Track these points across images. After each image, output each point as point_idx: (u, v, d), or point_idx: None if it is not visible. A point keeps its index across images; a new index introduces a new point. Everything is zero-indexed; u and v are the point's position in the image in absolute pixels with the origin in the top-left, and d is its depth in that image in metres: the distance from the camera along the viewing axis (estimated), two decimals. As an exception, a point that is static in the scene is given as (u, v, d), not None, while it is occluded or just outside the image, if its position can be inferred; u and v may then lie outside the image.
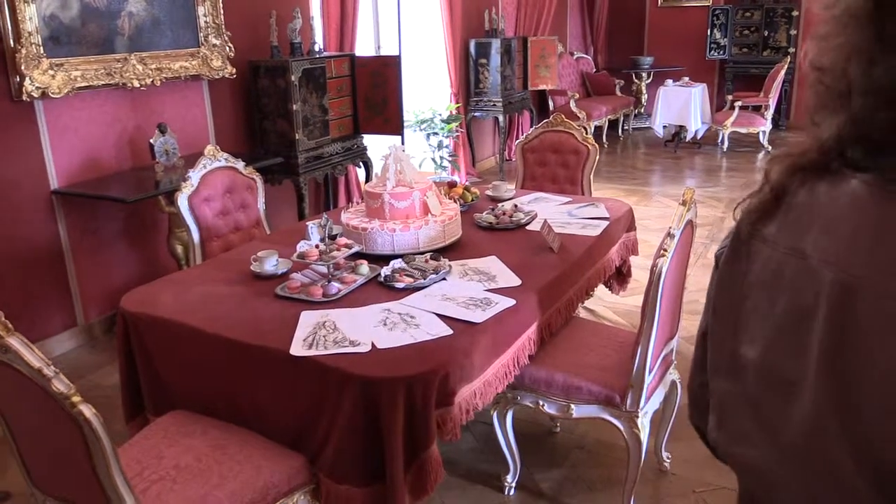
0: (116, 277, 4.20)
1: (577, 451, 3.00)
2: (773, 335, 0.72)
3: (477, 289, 2.46)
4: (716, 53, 10.23)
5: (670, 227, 2.35)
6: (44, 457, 1.84)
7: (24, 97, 3.59)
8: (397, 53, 5.44)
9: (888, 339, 0.59)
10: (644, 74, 10.33)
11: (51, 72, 3.70)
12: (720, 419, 0.81)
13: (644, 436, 2.44)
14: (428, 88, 7.12)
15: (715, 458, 0.86)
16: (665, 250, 2.29)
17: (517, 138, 5.41)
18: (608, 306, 4.30)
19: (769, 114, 8.62)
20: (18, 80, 3.58)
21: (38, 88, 3.62)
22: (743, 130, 8.73)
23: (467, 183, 4.59)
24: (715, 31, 10.15)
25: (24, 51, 3.56)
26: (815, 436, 0.66)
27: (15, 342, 1.54)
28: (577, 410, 2.51)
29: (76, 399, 1.54)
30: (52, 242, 3.90)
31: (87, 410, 1.54)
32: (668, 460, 2.83)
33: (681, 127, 8.97)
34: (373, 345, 2.06)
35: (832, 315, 0.64)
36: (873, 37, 0.61)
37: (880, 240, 0.62)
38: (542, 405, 2.55)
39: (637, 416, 2.43)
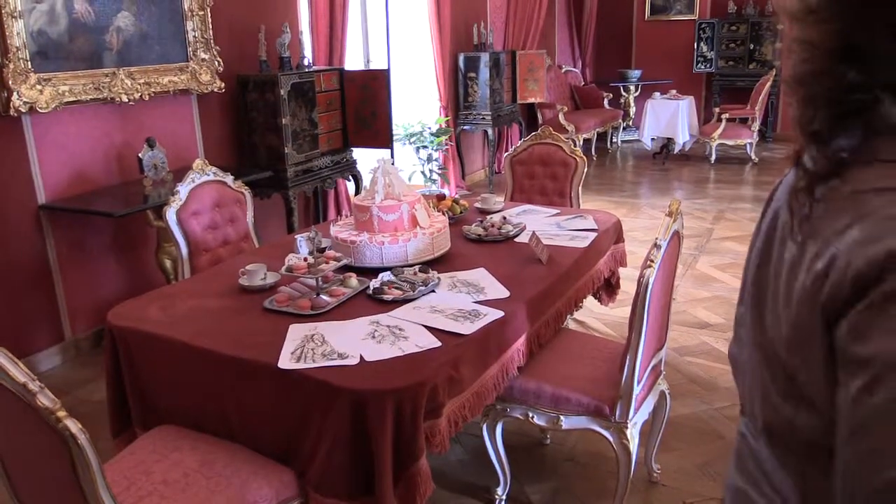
0: (104, 292, 4.18)
1: (567, 463, 2.99)
2: (749, 254, 0.88)
3: (465, 301, 2.46)
4: (703, 66, 10.33)
5: (657, 238, 2.36)
6: (29, 473, 1.82)
7: (12, 112, 3.58)
8: (386, 67, 5.46)
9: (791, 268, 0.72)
10: (632, 87, 10.41)
11: (38, 87, 3.69)
12: (735, 335, 0.93)
13: (633, 446, 2.44)
14: (417, 102, 7.14)
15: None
16: (652, 261, 2.30)
17: (506, 151, 5.44)
18: (597, 318, 4.31)
19: (756, 126, 8.69)
20: (6, 94, 3.57)
21: (25, 103, 3.62)
22: (730, 143, 8.80)
23: (456, 196, 4.60)
24: (702, 44, 10.26)
25: (11, 66, 3.56)
26: (745, 326, 0.85)
27: (0, 357, 1.53)
28: (567, 422, 2.51)
29: (61, 414, 1.52)
30: (40, 257, 3.88)
31: (73, 425, 1.53)
32: (658, 471, 2.83)
33: (669, 139, 9.03)
34: (361, 357, 2.06)
35: (764, 232, 0.82)
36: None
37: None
38: (532, 417, 2.55)
39: (626, 427, 2.44)
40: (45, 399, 1.52)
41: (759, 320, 0.80)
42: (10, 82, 3.56)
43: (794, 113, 0.73)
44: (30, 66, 3.66)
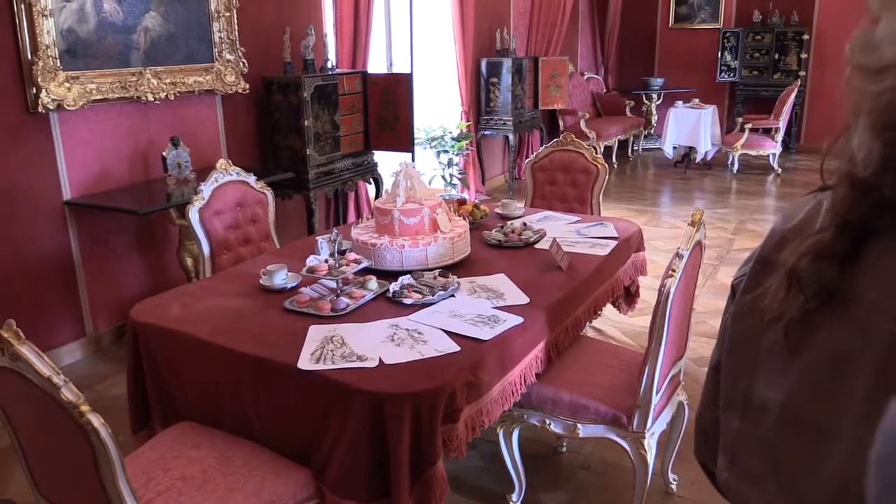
0: (126, 288, 4.23)
1: (583, 472, 2.98)
2: (801, 377, 0.67)
3: (485, 306, 2.46)
4: (726, 76, 10.27)
5: (679, 248, 2.35)
6: (50, 466, 1.84)
7: (40, 109, 3.63)
8: (409, 71, 5.48)
9: None
10: (654, 95, 10.37)
11: (66, 84, 3.74)
12: (732, 459, 0.77)
13: (650, 457, 2.43)
14: (439, 106, 7.16)
15: (724, 498, 0.82)
16: (673, 270, 2.29)
17: (527, 157, 5.42)
18: (616, 326, 4.29)
19: (779, 136, 8.62)
20: (35, 92, 3.62)
21: (53, 101, 3.67)
22: (753, 153, 8.74)
23: (477, 200, 4.61)
24: (725, 53, 10.20)
25: (40, 63, 3.61)
26: (846, 490, 0.61)
27: (26, 350, 1.55)
28: (584, 430, 2.50)
29: (85, 408, 1.54)
30: (64, 252, 3.93)
31: (96, 420, 1.54)
32: (675, 482, 2.81)
33: (690, 148, 8.98)
34: (380, 360, 2.06)
35: (881, 367, 0.59)
36: None
37: None
38: (549, 424, 2.54)
39: (643, 437, 2.42)
40: (69, 393, 1.54)
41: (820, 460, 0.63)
42: (39, 79, 3.61)
43: None
44: (58, 64, 3.71)
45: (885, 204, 0.62)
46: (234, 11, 4.59)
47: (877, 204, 0.63)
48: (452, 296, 2.56)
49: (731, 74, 10.23)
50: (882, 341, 0.60)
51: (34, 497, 1.91)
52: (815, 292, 0.67)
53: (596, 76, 10.50)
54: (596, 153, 4.10)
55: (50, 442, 1.77)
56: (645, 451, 2.42)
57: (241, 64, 4.69)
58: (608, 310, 3.59)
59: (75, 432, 1.57)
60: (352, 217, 5.74)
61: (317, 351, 2.12)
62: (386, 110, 5.39)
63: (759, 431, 0.72)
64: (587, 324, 3.27)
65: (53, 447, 1.77)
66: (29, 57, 3.60)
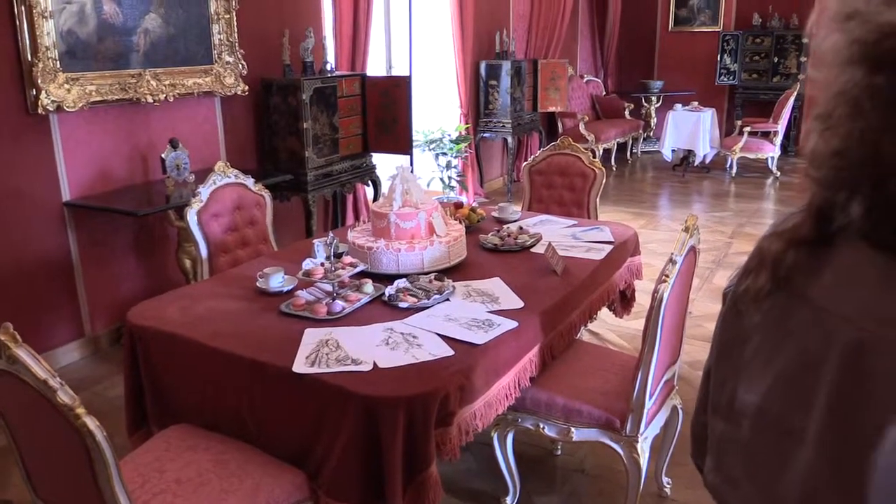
0: (124, 290, 4.24)
1: (577, 475, 3.00)
2: (774, 381, 0.69)
3: (480, 310, 2.48)
4: (725, 79, 10.29)
5: (673, 253, 2.36)
6: (47, 467, 1.86)
7: (40, 110, 3.65)
8: (408, 74, 5.49)
9: None
10: (653, 98, 10.39)
11: (66, 86, 3.76)
12: (717, 462, 0.79)
13: (644, 461, 2.45)
14: (438, 108, 7.17)
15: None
16: (667, 276, 2.31)
17: (526, 160, 5.44)
18: (612, 329, 4.31)
19: (778, 140, 8.64)
20: (34, 93, 3.64)
21: (53, 102, 3.69)
22: (751, 156, 8.76)
23: (474, 204, 4.63)
24: (725, 56, 10.22)
25: (40, 65, 3.62)
26: (813, 494, 0.64)
27: (22, 353, 1.57)
28: (578, 434, 2.52)
29: (80, 411, 1.56)
30: (63, 253, 3.95)
31: (91, 422, 1.56)
32: (669, 486, 2.82)
33: (689, 151, 8.99)
34: (374, 364, 2.08)
35: (843, 372, 0.61)
36: None
37: None
38: (543, 428, 2.55)
39: (637, 441, 2.44)
40: (65, 396, 1.56)
41: (847, 479, 0.61)
42: (39, 81, 3.62)
43: None
44: (58, 66, 3.72)
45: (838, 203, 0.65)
46: (234, 14, 4.61)
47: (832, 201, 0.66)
48: (448, 300, 2.57)
49: (731, 77, 10.26)
50: (844, 346, 0.62)
51: (31, 498, 1.93)
52: (773, 273, 0.70)
53: (595, 79, 10.51)
54: (593, 157, 4.12)
55: (47, 444, 1.79)
56: (638, 454, 2.44)
57: (241, 66, 4.70)
58: (604, 313, 3.61)
59: (71, 434, 1.58)
60: (350, 219, 5.76)
61: (312, 354, 2.14)
62: (384, 113, 5.41)
63: (738, 434, 0.74)
64: (582, 328, 3.29)
65: (50, 449, 1.79)
66: (29, 58, 3.62)
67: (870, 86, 0.57)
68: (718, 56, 10.21)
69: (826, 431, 0.63)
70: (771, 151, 8.65)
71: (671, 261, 2.34)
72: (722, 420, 0.78)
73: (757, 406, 0.71)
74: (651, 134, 10.46)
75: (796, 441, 0.65)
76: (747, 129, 8.67)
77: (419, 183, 3.08)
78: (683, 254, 2.38)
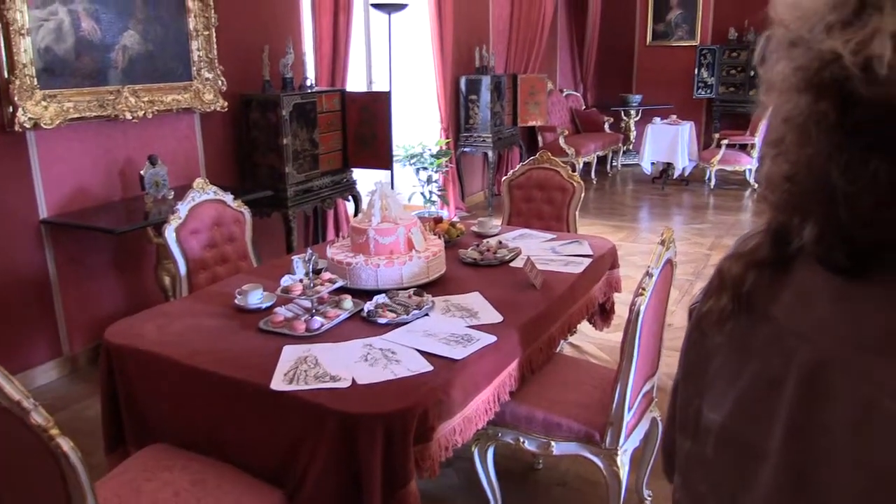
0: (103, 307, 4.21)
1: (558, 488, 3.00)
2: (737, 401, 0.70)
3: (459, 325, 2.48)
4: (703, 92, 10.41)
5: (649, 267, 2.38)
6: (21, 490, 1.83)
7: (17, 128, 3.62)
8: (388, 90, 5.52)
9: (859, 426, 0.58)
10: (633, 112, 10.48)
11: (44, 103, 3.74)
12: (684, 479, 0.80)
13: (623, 473, 2.45)
14: (418, 123, 7.20)
15: None
16: (643, 289, 2.33)
17: (506, 174, 5.46)
18: (592, 342, 4.32)
19: (755, 152, 8.73)
20: (11, 110, 3.62)
21: (30, 119, 3.66)
22: (729, 168, 8.86)
23: (455, 218, 4.64)
24: (702, 70, 10.35)
25: (17, 82, 3.60)
26: None
27: (-5, 374, 1.55)
28: (558, 448, 2.52)
29: (54, 432, 1.54)
30: (39, 271, 3.91)
31: (65, 444, 1.55)
32: (650, 498, 2.83)
33: (668, 164, 9.08)
34: (353, 380, 2.08)
35: (802, 390, 0.62)
36: (845, 142, 0.57)
37: (860, 322, 0.60)
38: (523, 442, 2.56)
39: (617, 454, 2.45)
40: (39, 417, 1.54)
41: (807, 498, 0.62)
42: (16, 98, 3.60)
43: None
44: (36, 83, 3.70)
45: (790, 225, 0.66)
46: (213, 30, 4.61)
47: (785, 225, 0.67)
48: (427, 315, 2.58)
49: (708, 91, 10.38)
50: (802, 365, 0.63)
51: (4, 521, 1.90)
52: (734, 294, 0.71)
53: (575, 93, 10.60)
54: (573, 170, 4.15)
55: (21, 465, 1.76)
56: (618, 467, 2.45)
57: (220, 82, 4.70)
58: (584, 326, 3.62)
59: (45, 456, 1.57)
60: (331, 234, 5.75)
61: (290, 371, 2.13)
62: (365, 128, 5.42)
63: (704, 452, 0.75)
64: (562, 341, 3.30)
65: (24, 471, 1.76)
66: (5, 75, 3.60)
67: (815, 112, 0.58)
68: (696, 70, 10.34)
69: (786, 449, 0.63)
70: (748, 163, 8.75)
71: (647, 274, 2.36)
72: (689, 438, 0.79)
73: (720, 425, 0.72)
74: (631, 147, 10.55)
75: (758, 459, 0.66)
76: (725, 141, 8.78)
77: (398, 198, 3.09)
78: (660, 267, 2.40)
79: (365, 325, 2.51)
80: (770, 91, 0.64)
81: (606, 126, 10.16)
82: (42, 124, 3.72)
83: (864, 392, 0.58)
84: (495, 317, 2.56)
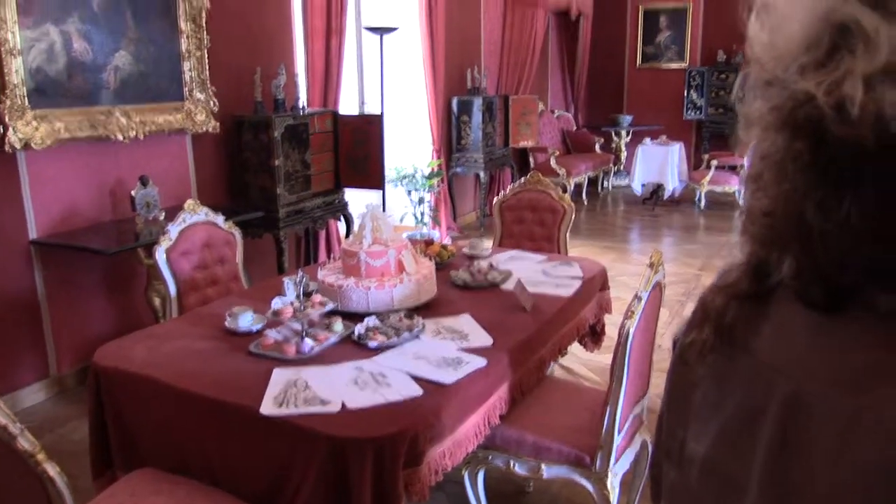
0: (93, 328, 4.18)
1: (549, 512, 2.99)
2: (719, 432, 0.70)
3: (449, 348, 2.48)
4: (692, 113, 10.51)
5: (638, 290, 2.40)
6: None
7: (7, 148, 3.62)
8: (380, 113, 5.54)
9: (836, 462, 0.58)
10: (623, 133, 10.56)
11: (35, 123, 3.74)
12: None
13: (613, 497, 2.45)
14: (410, 144, 7.23)
15: None
16: (632, 312, 2.34)
17: (498, 194, 5.48)
18: (583, 364, 4.32)
19: (744, 172, 8.79)
20: (2, 130, 3.61)
21: (21, 139, 3.66)
22: (719, 189, 8.93)
23: (446, 240, 4.65)
24: (692, 91, 10.45)
25: (8, 102, 3.60)
26: None
27: (-18, 400, 1.54)
28: (548, 471, 2.51)
29: (41, 457, 1.54)
30: (28, 292, 3.89)
31: (52, 469, 1.54)
32: (640, 521, 2.82)
33: (659, 185, 9.13)
34: (343, 404, 2.07)
35: (780, 425, 0.62)
36: (819, 180, 0.57)
37: (837, 359, 0.61)
38: (514, 465, 2.55)
39: (606, 477, 2.44)
40: (26, 442, 1.54)
41: None
42: (7, 118, 3.60)
43: None
44: (27, 103, 3.70)
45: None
46: (205, 51, 4.63)
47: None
48: (417, 337, 2.58)
49: (698, 112, 10.48)
50: (782, 399, 0.63)
51: (-11, 547, 1.88)
52: (716, 327, 0.72)
53: (566, 113, 10.68)
54: (564, 191, 4.17)
55: (6, 490, 1.75)
56: (608, 491, 2.44)
57: (212, 103, 4.71)
58: (575, 347, 3.62)
59: (32, 481, 1.56)
60: (323, 255, 5.75)
61: (280, 395, 2.12)
62: (357, 150, 5.44)
63: (688, 482, 0.75)
64: (554, 363, 3.30)
65: (10, 495, 1.75)
66: (-4, 97, 3.60)
67: (791, 150, 0.59)
68: (685, 91, 10.45)
69: (764, 482, 0.64)
70: (738, 184, 8.81)
71: (637, 297, 2.37)
72: (674, 467, 0.79)
73: (703, 456, 0.72)
74: (621, 168, 10.61)
75: (738, 491, 0.66)
76: (714, 162, 8.85)
77: (389, 220, 3.10)
78: (649, 290, 2.41)
79: (355, 348, 2.51)
80: (749, 127, 0.65)
81: (597, 147, 10.22)
82: (33, 144, 3.72)
83: (840, 428, 0.58)
84: (486, 339, 2.56)
